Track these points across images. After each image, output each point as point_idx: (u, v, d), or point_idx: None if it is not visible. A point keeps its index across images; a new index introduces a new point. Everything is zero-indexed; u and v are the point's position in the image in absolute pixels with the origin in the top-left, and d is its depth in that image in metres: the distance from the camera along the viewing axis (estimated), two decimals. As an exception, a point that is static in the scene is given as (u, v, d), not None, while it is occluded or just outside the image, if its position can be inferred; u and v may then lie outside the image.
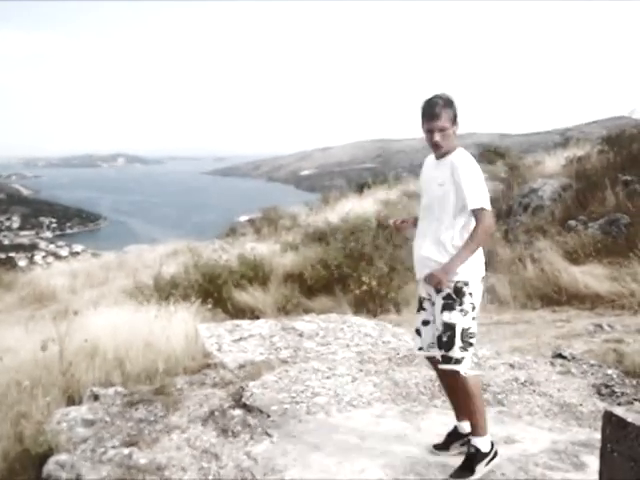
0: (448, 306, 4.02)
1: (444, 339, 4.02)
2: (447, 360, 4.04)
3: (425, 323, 4.26)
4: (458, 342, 4.01)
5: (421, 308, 4.30)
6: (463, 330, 4.01)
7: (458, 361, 4.03)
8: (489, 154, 24.62)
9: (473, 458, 4.06)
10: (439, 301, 4.06)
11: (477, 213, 3.93)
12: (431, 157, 4.29)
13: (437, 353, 4.10)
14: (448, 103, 4.06)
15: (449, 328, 4.01)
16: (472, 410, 4.13)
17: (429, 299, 4.21)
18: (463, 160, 4.07)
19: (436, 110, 4.01)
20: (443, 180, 4.05)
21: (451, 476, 4.04)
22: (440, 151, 4.10)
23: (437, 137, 4.03)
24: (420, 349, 4.31)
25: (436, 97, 4.07)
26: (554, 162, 16.19)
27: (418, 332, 4.31)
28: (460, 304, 4.01)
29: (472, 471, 4.02)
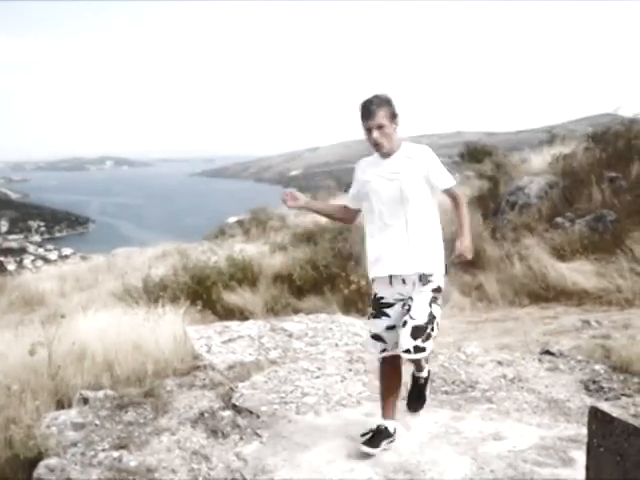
0: (434, 299, 4.15)
1: (428, 330, 4.09)
2: (420, 350, 4.11)
3: (389, 328, 4.25)
4: (434, 333, 4.15)
5: (382, 314, 4.29)
6: (437, 322, 4.19)
7: (426, 349, 4.16)
8: (476, 152, 24.65)
9: (425, 383, 4.76)
10: (427, 294, 4.14)
11: (454, 191, 4.23)
12: (371, 159, 4.39)
13: (409, 344, 4.09)
14: (384, 102, 4.18)
15: (433, 320, 4.12)
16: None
17: (399, 300, 4.23)
18: (419, 147, 4.26)
19: (371, 108, 4.13)
20: (407, 171, 4.16)
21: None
22: (383, 149, 4.21)
23: (375, 134, 4.14)
24: (384, 351, 4.31)
25: (372, 96, 4.20)
26: (540, 160, 16.23)
27: (378, 338, 4.30)
28: (439, 299, 4.20)
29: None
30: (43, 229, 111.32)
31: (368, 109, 4.14)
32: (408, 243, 4.18)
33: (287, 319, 8.18)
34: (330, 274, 11.62)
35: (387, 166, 4.23)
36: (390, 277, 4.25)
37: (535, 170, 15.48)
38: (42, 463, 4.26)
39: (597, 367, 5.86)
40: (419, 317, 4.08)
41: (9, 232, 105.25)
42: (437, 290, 4.20)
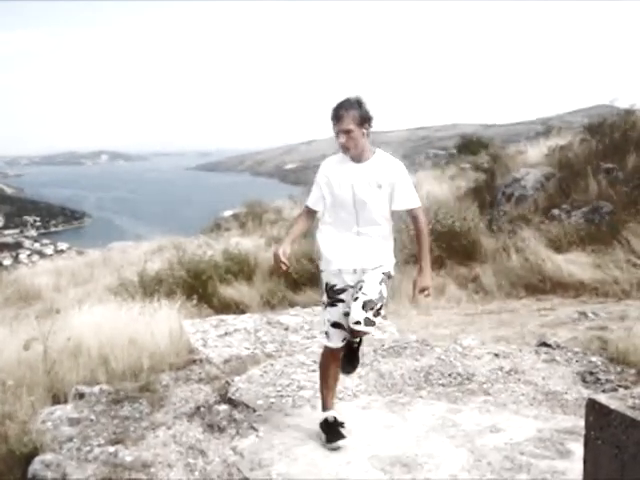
0: (384, 281, 4.30)
1: (377, 306, 4.21)
2: (370, 323, 4.22)
3: (347, 315, 4.33)
4: (383, 312, 4.34)
5: (338, 300, 4.39)
6: (385, 303, 4.37)
7: (375, 324, 4.29)
8: (472, 144, 24.65)
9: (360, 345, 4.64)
10: (378, 275, 4.29)
11: (417, 212, 4.30)
12: (337, 161, 4.39)
13: (361, 316, 4.20)
14: (354, 105, 4.16)
15: (382, 299, 4.25)
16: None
17: (350, 287, 4.36)
18: (393, 160, 4.31)
19: (339, 113, 4.14)
20: (379, 182, 4.22)
21: None
22: (349, 154, 4.25)
23: (342, 139, 4.17)
24: (344, 340, 4.43)
25: (343, 100, 4.20)
26: (537, 151, 16.23)
27: (339, 325, 4.39)
28: (387, 282, 4.34)
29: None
30: (39, 224, 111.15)
31: (336, 113, 4.15)
32: (360, 244, 4.31)
33: (283, 312, 8.18)
34: (326, 267, 11.58)
35: (355, 171, 4.26)
36: (339, 270, 4.39)
37: (531, 162, 15.48)
38: (38, 459, 4.25)
39: (594, 359, 5.85)
40: (370, 293, 4.21)
41: (5, 227, 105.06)
42: (387, 274, 4.36)
